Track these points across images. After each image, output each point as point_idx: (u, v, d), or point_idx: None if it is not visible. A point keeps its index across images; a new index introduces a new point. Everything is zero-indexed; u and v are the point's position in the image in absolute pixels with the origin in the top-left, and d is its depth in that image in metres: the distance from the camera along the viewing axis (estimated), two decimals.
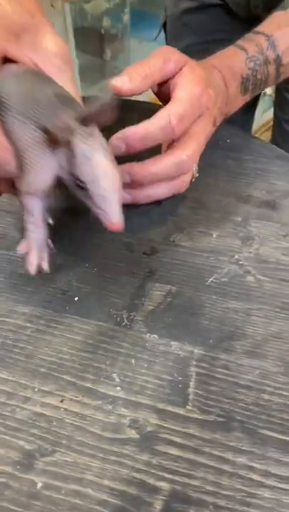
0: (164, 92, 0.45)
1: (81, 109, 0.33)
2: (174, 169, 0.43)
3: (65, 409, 0.32)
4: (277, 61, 0.53)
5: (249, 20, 0.65)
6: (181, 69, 0.44)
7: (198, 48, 0.80)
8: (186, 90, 0.42)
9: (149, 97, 0.50)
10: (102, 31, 1.65)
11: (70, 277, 0.40)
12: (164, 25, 0.88)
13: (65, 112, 0.31)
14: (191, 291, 0.39)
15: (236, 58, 0.52)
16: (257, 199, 0.47)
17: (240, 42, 0.53)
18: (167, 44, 0.91)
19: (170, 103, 0.42)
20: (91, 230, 0.42)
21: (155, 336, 0.36)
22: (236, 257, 0.41)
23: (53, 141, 0.32)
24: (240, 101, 0.53)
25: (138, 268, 0.40)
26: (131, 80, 0.41)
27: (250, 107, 0.92)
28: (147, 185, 0.43)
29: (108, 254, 0.42)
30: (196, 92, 0.42)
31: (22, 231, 0.37)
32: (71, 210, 0.41)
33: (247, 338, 0.36)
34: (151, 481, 0.29)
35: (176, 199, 0.46)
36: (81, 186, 0.32)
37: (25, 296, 0.38)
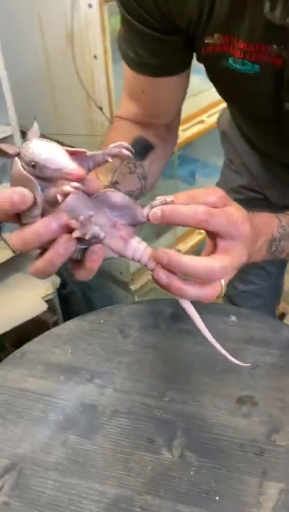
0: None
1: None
2: (204, 272, 0.47)
3: None
4: None
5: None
6: (224, 205, 0.51)
7: None
8: (231, 256, 0.49)
9: None
10: None
11: (209, 479, 0.57)
12: None
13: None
14: None
15: (270, 220, 0.61)
16: None
17: (277, 215, 0.63)
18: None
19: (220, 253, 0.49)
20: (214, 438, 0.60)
21: None
22: None
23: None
24: (261, 256, 0.60)
25: (253, 468, 0.58)
26: (177, 198, 0.49)
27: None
28: (178, 277, 0.49)
29: (231, 456, 0.59)
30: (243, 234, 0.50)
31: None
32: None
33: None
34: None
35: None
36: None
37: (181, 497, 0.55)
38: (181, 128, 1.41)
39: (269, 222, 0.60)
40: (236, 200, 1.10)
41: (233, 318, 0.77)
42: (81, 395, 0.67)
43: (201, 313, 0.54)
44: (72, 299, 1.73)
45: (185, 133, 1.42)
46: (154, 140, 0.77)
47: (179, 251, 0.53)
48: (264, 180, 1.02)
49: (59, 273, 1.50)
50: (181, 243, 1.59)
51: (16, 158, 0.43)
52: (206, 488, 0.56)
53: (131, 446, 0.61)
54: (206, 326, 0.55)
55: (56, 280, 1.45)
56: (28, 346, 0.75)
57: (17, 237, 0.45)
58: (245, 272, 1.16)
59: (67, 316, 1.38)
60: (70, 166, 0.41)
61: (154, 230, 1.55)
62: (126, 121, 0.78)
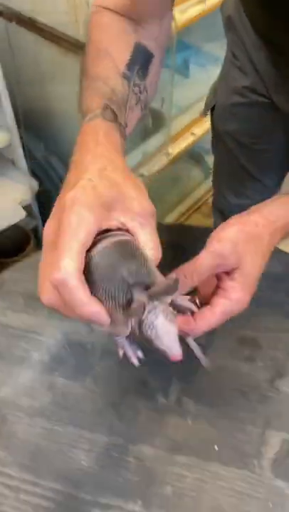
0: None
1: (153, 284, 0.42)
2: (226, 317, 0.47)
3: None
4: None
5: None
6: (233, 270, 0.48)
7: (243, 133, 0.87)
8: (231, 304, 0.47)
9: None
10: None
11: (208, 426, 0.53)
12: (212, 108, 0.98)
13: (139, 292, 0.41)
14: None
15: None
16: None
17: None
18: (213, 125, 1.01)
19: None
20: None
21: (280, 480, 0.50)
22: None
23: (130, 311, 0.41)
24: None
25: (255, 416, 0.54)
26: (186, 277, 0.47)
27: None
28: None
29: (230, 401, 0.55)
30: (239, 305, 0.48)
31: None
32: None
33: None
34: None
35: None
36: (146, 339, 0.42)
37: (176, 446, 0.52)
38: (177, 9, 1.25)
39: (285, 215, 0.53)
40: (239, 104, 0.97)
41: None
42: (68, 333, 0.61)
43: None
44: (52, 203, 1.62)
45: (183, 15, 1.23)
46: (150, 45, 0.63)
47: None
48: (272, 81, 0.89)
49: (35, 174, 1.38)
50: (173, 143, 1.45)
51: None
52: (204, 437, 0.53)
53: (123, 390, 0.56)
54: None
55: (34, 184, 1.33)
56: (6, 275, 0.67)
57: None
58: (240, 184, 1.07)
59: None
60: (174, 350, 0.42)
61: (146, 130, 1.41)
62: (113, 16, 0.63)
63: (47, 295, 0.41)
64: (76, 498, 0.48)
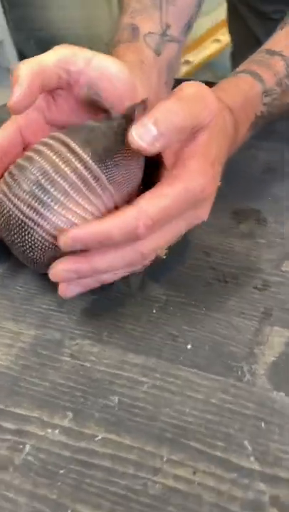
0: None
1: None
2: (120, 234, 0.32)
3: (200, 484, 0.31)
4: None
5: None
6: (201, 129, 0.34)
7: None
8: (183, 184, 0.33)
9: None
10: None
11: (178, 319, 0.37)
12: None
13: None
14: None
15: (252, 94, 0.44)
16: None
17: (256, 68, 0.45)
18: None
19: (152, 194, 0.33)
20: (189, 262, 0.39)
21: (282, 394, 0.34)
22: None
23: None
24: (245, 138, 0.45)
25: (251, 308, 0.38)
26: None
27: None
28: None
29: (214, 289, 0.39)
30: (197, 188, 0.34)
31: None
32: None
33: None
34: None
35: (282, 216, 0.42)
36: None
37: (133, 342, 0.36)
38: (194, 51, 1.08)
39: (248, 100, 0.44)
40: None
41: None
42: None
43: None
44: None
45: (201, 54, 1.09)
46: None
47: None
48: None
49: None
50: (193, 51, 1.25)
51: None
52: (173, 332, 0.37)
53: None
54: None
55: None
56: None
57: None
58: None
59: None
60: None
61: None
62: None
63: None
64: None
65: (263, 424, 0.32)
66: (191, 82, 0.34)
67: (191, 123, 0.33)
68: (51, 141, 0.35)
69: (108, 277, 0.35)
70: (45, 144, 0.35)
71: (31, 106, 0.35)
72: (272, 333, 0.36)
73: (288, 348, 0.35)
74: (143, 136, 0.31)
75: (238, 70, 0.46)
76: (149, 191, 0.33)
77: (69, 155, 0.34)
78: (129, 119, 0.33)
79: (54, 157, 0.34)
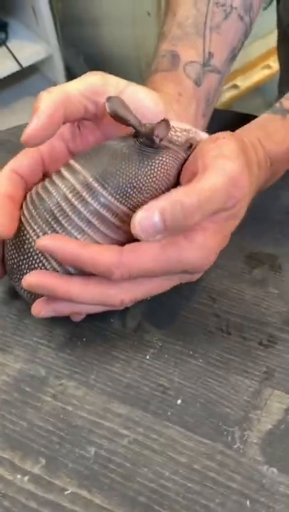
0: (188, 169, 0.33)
1: None
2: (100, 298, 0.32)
3: None
4: None
5: None
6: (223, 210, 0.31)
7: None
8: (178, 253, 0.31)
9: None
10: None
11: (172, 369, 0.34)
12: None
13: None
14: None
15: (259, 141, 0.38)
16: None
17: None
18: (279, 20, 0.79)
19: (141, 252, 0.30)
20: (192, 307, 0.37)
21: (274, 469, 0.30)
22: None
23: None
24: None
25: (252, 365, 0.34)
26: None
27: None
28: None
29: (215, 339, 0.36)
30: (190, 263, 0.32)
31: None
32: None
33: None
34: None
35: None
36: None
37: (120, 390, 0.34)
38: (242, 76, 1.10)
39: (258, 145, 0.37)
40: None
41: None
42: None
43: None
44: None
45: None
46: None
47: None
48: None
49: None
50: (242, 75, 1.22)
51: None
52: (164, 383, 0.34)
53: None
54: None
55: None
56: None
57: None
58: None
59: None
60: None
61: None
62: None
63: None
64: None
65: (248, 503, 0.29)
66: (223, 160, 0.30)
67: (203, 218, 0.30)
68: (68, 175, 0.33)
69: (83, 309, 0.33)
70: (63, 178, 0.33)
71: (50, 138, 0.33)
72: (271, 397, 0.33)
73: (288, 415, 0.32)
74: (146, 228, 0.29)
75: (285, 106, 0.40)
76: (141, 243, 0.30)
77: (85, 194, 0.32)
78: (151, 136, 0.31)
79: (70, 195, 0.32)
